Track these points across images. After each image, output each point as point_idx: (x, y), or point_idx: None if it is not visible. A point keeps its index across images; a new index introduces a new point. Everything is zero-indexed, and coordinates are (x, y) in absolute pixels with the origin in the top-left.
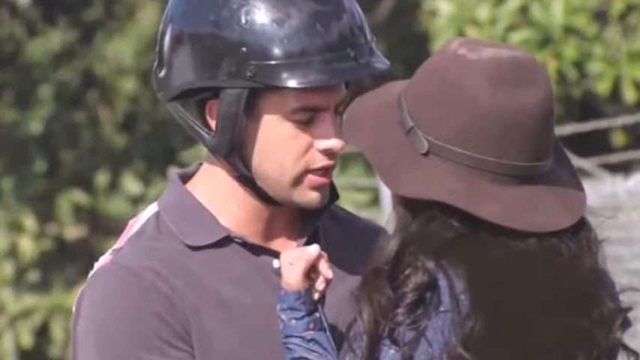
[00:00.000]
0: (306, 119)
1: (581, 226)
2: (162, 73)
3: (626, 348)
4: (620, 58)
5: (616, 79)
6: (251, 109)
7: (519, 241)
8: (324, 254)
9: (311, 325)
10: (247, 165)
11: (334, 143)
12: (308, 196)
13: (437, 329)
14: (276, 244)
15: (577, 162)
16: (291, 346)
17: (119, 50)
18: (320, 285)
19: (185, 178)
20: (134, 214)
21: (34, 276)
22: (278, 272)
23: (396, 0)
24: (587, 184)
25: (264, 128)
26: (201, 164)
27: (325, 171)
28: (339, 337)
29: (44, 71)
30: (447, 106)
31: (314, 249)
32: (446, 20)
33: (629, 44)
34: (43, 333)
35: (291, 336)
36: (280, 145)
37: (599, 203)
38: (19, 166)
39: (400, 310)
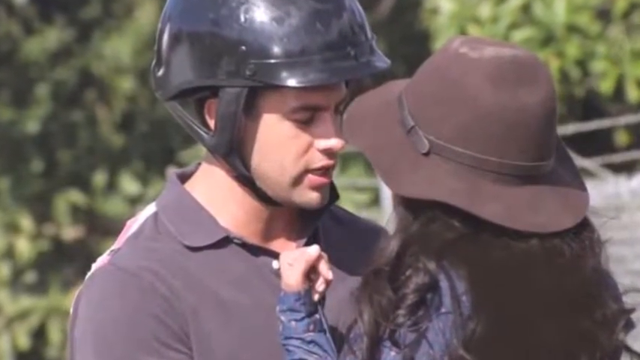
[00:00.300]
0: (306, 118)
1: (584, 227)
2: (160, 72)
3: (629, 349)
4: (624, 57)
5: (619, 78)
6: (250, 108)
7: (521, 241)
8: (324, 255)
9: (311, 327)
10: (246, 165)
11: (334, 143)
12: (308, 196)
13: (438, 331)
14: (275, 245)
15: (580, 162)
16: (290, 348)
17: (117, 49)
18: (320, 286)
19: (184, 178)
20: (132, 215)
21: (31, 277)
22: (277, 273)
23: None
24: (589, 184)
25: (263, 127)
26: (200, 164)
27: (325, 171)
28: (339, 339)
29: (41, 70)
30: (448, 106)
31: (314, 250)
32: (447, 18)
33: (633, 43)
34: (40, 334)
35: (291, 337)
36: (280, 145)
37: (602, 203)
38: (15, 166)
39: (401, 312)
